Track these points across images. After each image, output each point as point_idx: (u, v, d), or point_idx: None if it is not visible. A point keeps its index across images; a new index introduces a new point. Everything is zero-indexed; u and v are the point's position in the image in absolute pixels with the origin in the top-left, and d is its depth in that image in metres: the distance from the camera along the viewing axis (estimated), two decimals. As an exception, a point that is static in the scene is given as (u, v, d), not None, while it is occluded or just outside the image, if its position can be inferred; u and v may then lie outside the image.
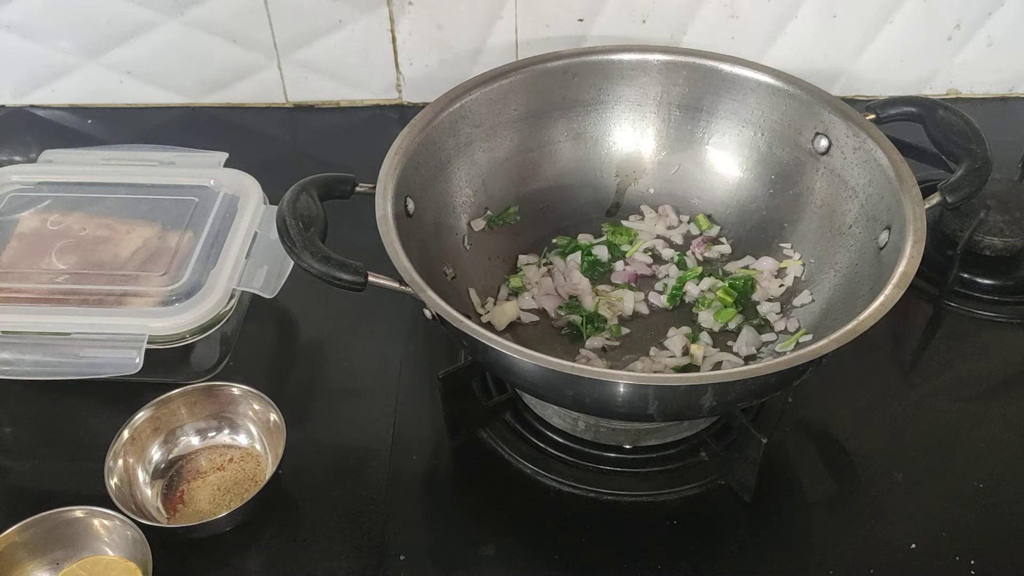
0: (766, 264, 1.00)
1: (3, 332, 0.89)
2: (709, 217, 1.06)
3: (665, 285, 1.01)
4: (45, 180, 1.05)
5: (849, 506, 0.84)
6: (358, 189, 0.87)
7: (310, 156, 1.26)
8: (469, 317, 0.77)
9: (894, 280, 0.78)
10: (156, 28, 1.21)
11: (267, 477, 0.82)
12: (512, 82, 1.00)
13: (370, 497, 0.85)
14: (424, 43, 1.23)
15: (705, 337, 0.95)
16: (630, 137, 1.06)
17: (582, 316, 0.97)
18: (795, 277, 0.99)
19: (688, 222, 1.06)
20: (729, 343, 0.95)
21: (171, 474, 0.87)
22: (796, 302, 0.97)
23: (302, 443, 0.86)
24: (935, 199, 0.87)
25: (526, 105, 1.02)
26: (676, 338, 0.95)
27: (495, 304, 0.98)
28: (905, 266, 0.79)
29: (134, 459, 0.85)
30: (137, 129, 1.26)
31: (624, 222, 1.07)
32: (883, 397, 0.93)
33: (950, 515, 0.83)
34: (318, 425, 0.92)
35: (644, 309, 0.99)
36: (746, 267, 1.01)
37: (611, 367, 0.92)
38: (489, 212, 1.02)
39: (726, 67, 1.01)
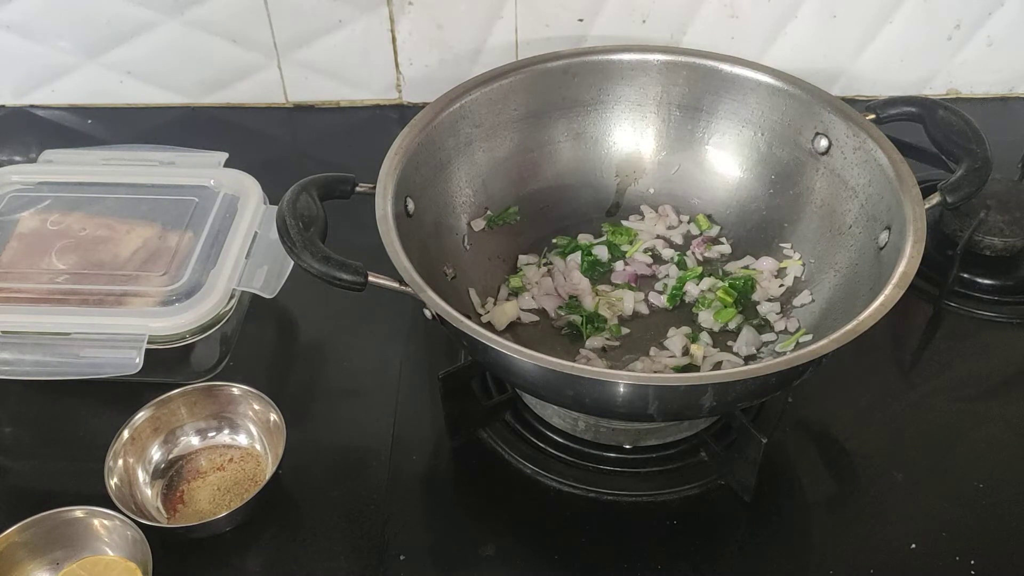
0: (766, 264, 1.00)
1: (3, 332, 0.89)
2: (709, 217, 1.06)
3: (665, 285, 1.01)
4: (45, 180, 1.05)
5: (849, 506, 0.84)
6: (358, 189, 0.87)
7: (310, 156, 1.26)
8: (469, 317, 0.77)
9: (894, 280, 0.78)
10: (156, 28, 1.21)
11: (267, 477, 0.82)
12: (512, 82, 1.00)
13: (370, 497, 0.85)
14: (424, 43, 1.23)
15: (705, 337, 0.95)
16: (630, 137, 1.06)
17: (582, 316, 0.97)
18: (795, 277, 0.99)
19: (688, 222, 1.06)
20: (729, 343, 0.95)
21: (171, 474, 0.87)
22: (796, 302, 0.97)
23: (302, 443, 0.86)
24: (935, 199, 0.87)
25: (526, 105, 1.02)
26: (676, 338, 0.95)
27: (495, 304, 0.98)
28: (905, 266, 0.79)
29: (134, 459, 0.85)
30: (137, 129, 1.26)
31: (624, 222, 1.07)
32: (883, 397, 0.93)
33: (950, 515, 0.83)
34: (318, 425, 0.92)
35: (644, 309, 0.99)
36: (746, 267, 1.01)
37: (611, 367, 0.92)
38: (489, 212, 1.02)
39: (726, 67, 1.01)
